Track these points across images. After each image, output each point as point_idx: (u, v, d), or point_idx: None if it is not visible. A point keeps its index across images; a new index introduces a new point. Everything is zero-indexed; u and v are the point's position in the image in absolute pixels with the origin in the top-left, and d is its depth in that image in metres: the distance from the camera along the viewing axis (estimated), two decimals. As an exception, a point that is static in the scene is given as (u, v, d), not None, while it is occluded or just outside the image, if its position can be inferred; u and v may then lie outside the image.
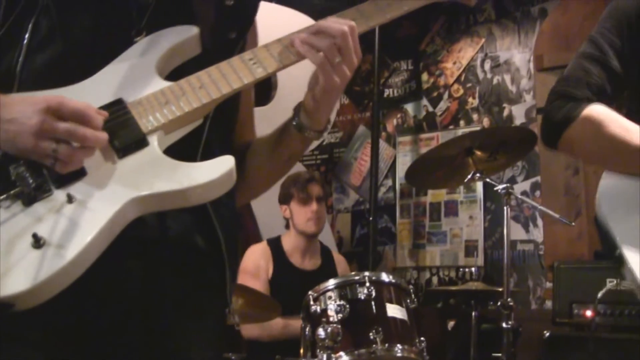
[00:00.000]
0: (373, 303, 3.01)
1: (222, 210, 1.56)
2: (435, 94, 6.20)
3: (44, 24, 1.49)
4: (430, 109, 6.21)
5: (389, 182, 6.31)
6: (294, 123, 1.61)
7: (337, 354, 2.86)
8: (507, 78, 5.83)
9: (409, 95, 6.35)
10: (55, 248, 1.24)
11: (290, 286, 4.04)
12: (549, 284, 5.23)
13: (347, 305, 2.97)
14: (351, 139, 6.65)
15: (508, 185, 3.83)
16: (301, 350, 3.09)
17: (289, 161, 1.74)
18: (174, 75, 1.49)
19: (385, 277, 3.16)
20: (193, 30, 1.53)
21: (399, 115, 6.38)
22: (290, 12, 5.16)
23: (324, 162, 6.73)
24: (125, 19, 1.52)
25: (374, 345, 2.88)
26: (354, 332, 2.93)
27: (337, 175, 6.66)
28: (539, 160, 5.48)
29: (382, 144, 6.31)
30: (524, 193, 5.49)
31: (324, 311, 3.00)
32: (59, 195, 1.30)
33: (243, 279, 3.95)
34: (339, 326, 2.87)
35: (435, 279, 5.94)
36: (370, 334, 2.89)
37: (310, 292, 3.10)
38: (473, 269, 5.46)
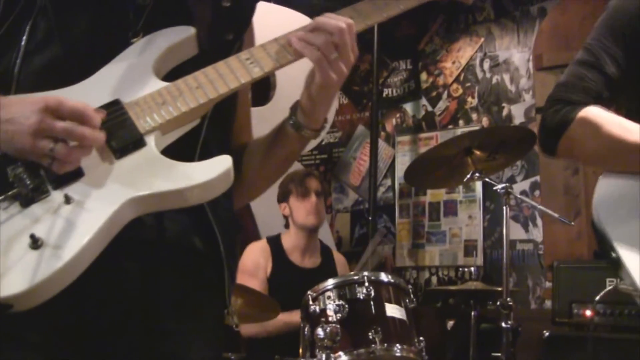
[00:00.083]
0: (372, 303, 3.02)
1: (219, 211, 1.55)
2: (434, 93, 6.20)
3: (41, 26, 1.49)
4: (430, 108, 6.21)
5: (388, 182, 6.31)
6: (291, 122, 1.61)
7: (336, 354, 2.86)
8: (506, 77, 5.83)
9: (408, 95, 6.35)
10: (52, 249, 1.24)
11: (290, 284, 4.04)
12: (548, 284, 5.23)
13: (346, 305, 2.97)
14: (350, 138, 6.65)
15: (507, 184, 3.83)
16: (300, 350, 3.09)
17: (286, 161, 1.74)
18: (172, 76, 1.49)
19: (384, 277, 3.16)
20: (190, 31, 1.53)
21: (398, 115, 6.38)
22: (289, 12, 5.16)
23: (323, 162, 6.73)
24: (123, 20, 1.52)
25: (372, 345, 2.88)
26: (353, 332, 2.93)
27: (336, 175, 6.66)
28: (538, 159, 5.48)
29: (381, 144, 6.31)
30: (523, 193, 5.50)
31: (323, 311, 3.00)
32: (57, 196, 1.30)
33: (241, 278, 3.94)
34: (338, 326, 2.88)
35: (434, 279, 5.94)
36: (369, 333, 2.89)
37: (309, 292, 3.11)
38: (472, 269, 5.45)
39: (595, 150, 1.93)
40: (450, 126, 6.07)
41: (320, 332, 2.85)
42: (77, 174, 1.32)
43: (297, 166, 4.71)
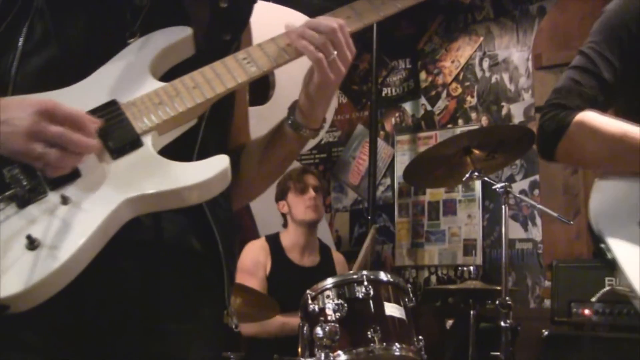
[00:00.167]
0: (371, 302, 3.01)
1: (218, 212, 1.55)
2: (433, 92, 6.20)
3: (38, 27, 1.49)
4: (429, 107, 6.21)
5: (388, 181, 6.31)
6: (289, 122, 1.61)
7: (335, 353, 2.86)
8: (506, 77, 5.83)
9: (407, 94, 6.35)
10: (49, 250, 1.23)
11: (289, 283, 4.04)
12: (547, 283, 5.24)
13: (345, 304, 2.97)
14: (349, 138, 6.65)
15: (506, 184, 3.83)
16: (299, 349, 3.09)
17: (285, 162, 1.74)
18: (169, 76, 1.49)
19: (383, 276, 3.16)
20: (187, 31, 1.52)
21: (397, 114, 6.38)
22: (287, 11, 5.15)
23: (322, 161, 6.74)
24: (120, 21, 1.52)
25: (372, 344, 2.88)
26: (352, 331, 2.93)
27: (336, 174, 6.66)
28: (537, 159, 5.47)
29: (381, 143, 6.31)
30: (522, 192, 5.50)
31: (322, 310, 3.00)
32: (54, 196, 1.30)
33: (241, 277, 3.94)
34: (337, 325, 2.87)
35: (433, 278, 5.94)
36: (368, 332, 2.89)
37: (308, 291, 3.10)
38: (471, 268, 5.45)
39: (594, 152, 1.93)
40: (449, 125, 6.07)
41: (319, 331, 2.85)
42: (74, 175, 1.32)
43: (296, 165, 4.71)
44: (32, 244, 1.23)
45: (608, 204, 1.85)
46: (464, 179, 3.89)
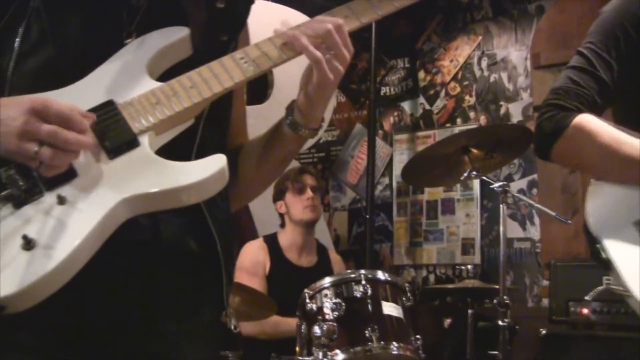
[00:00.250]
0: (369, 301, 3.02)
1: (216, 212, 1.55)
2: (432, 92, 6.20)
3: (34, 28, 1.49)
4: (427, 107, 6.21)
5: (386, 180, 6.31)
6: (288, 122, 1.61)
7: (333, 352, 2.87)
8: (504, 76, 5.84)
9: (405, 94, 6.35)
10: (45, 250, 1.23)
11: (287, 283, 4.04)
12: (545, 282, 5.24)
13: (343, 303, 2.97)
14: (348, 137, 6.65)
15: (504, 183, 3.83)
16: (297, 348, 3.09)
17: (284, 162, 1.73)
18: (166, 77, 1.48)
19: (381, 275, 3.17)
20: (184, 31, 1.52)
21: (395, 114, 6.38)
22: (285, 10, 5.15)
23: (320, 160, 6.74)
24: (116, 21, 1.52)
25: (369, 343, 2.88)
26: (349, 330, 2.93)
27: (334, 173, 6.66)
28: (535, 158, 5.46)
29: (379, 142, 6.31)
30: (520, 191, 5.50)
31: (320, 309, 3.01)
32: (50, 197, 1.29)
33: (240, 276, 3.95)
34: (335, 324, 2.88)
35: (432, 277, 5.95)
36: (366, 331, 2.89)
37: (306, 290, 3.11)
38: (470, 267, 5.44)
39: (588, 159, 1.95)
40: (447, 124, 6.07)
41: (317, 330, 2.86)
42: (70, 175, 1.31)
43: (294, 164, 4.72)
44: (28, 244, 1.23)
45: (604, 204, 1.86)
46: (462, 178, 3.89)
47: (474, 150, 3.85)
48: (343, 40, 1.52)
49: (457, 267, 5.79)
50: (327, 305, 2.98)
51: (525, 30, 5.79)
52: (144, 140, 1.39)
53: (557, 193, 5.41)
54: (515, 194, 4.13)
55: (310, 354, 2.94)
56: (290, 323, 3.69)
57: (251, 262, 4.23)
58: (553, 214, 3.88)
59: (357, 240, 6.37)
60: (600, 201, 1.87)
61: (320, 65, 1.50)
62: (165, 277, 1.49)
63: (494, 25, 5.95)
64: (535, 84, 5.63)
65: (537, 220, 5.48)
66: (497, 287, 3.92)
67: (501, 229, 3.83)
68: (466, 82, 6.03)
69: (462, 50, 6.09)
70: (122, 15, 1.52)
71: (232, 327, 1.63)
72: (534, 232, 5.49)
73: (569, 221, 4.04)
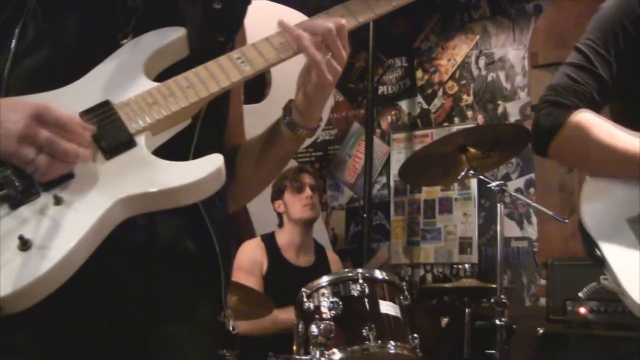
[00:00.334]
0: (366, 300, 3.02)
1: (214, 213, 1.55)
2: (429, 91, 6.20)
3: (30, 29, 1.48)
4: (425, 106, 6.21)
5: (383, 179, 6.31)
6: (286, 122, 1.60)
7: (330, 351, 2.87)
8: (502, 75, 5.83)
9: (403, 93, 6.35)
10: (42, 250, 1.23)
11: (284, 282, 4.04)
12: (543, 281, 5.24)
13: (340, 302, 2.97)
14: (345, 136, 6.65)
15: (502, 182, 3.83)
16: (294, 347, 3.09)
17: (282, 162, 1.73)
18: (164, 77, 1.48)
19: (378, 274, 3.17)
20: (180, 32, 1.52)
21: (393, 113, 6.38)
22: (283, 9, 5.15)
23: (318, 160, 6.73)
24: (113, 22, 1.52)
25: (367, 342, 2.88)
26: (347, 329, 2.93)
27: (332, 172, 6.66)
28: (533, 157, 5.48)
29: (377, 141, 6.31)
30: (518, 190, 5.50)
31: (317, 308, 3.01)
32: (46, 197, 1.29)
33: (237, 276, 3.95)
34: (332, 323, 2.88)
35: (429, 276, 5.94)
36: (363, 330, 2.89)
37: (303, 289, 3.11)
38: (467, 266, 5.46)
39: (585, 155, 1.95)
40: (445, 124, 6.07)
41: (314, 329, 2.86)
42: (67, 176, 1.31)
43: (292, 164, 4.72)
44: (25, 244, 1.23)
45: (598, 201, 1.87)
46: (459, 177, 3.89)
47: (472, 150, 3.86)
48: (343, 40, 1.52)
49: (455, 266, 5.79)
50: (325, 304, 2.98)
51: (523, 29, 5.79)
52: (141, 140, 1.38)
53: (555, 192, 5.41)
54: (513, 193, 4.12)
55: (307, 353, 2.94)
56: (287, 313, 3.68)
57: (248, 261, 4.23)
58: (550, 213, 3.88)
59: (355, 240, 6.37)
60: (595, 198, 1.88)
61: (319, 68, 1.50)
62: (163, 277, 1.49)
63: (492, 25, 5.95)
64: (532, 83, 5.63)
65: (534, 219, 5.48)
66: (494, 286, 3.92)
67: (498, 228, 3.83)
68: (464, 81, 6.02)
69: (459, 49, 6.09)
70: (119, 16, 1.52)
71: (231, 329, 1.63)
72: (532, 231, 5.49)
73: (567, 220, 4.04)
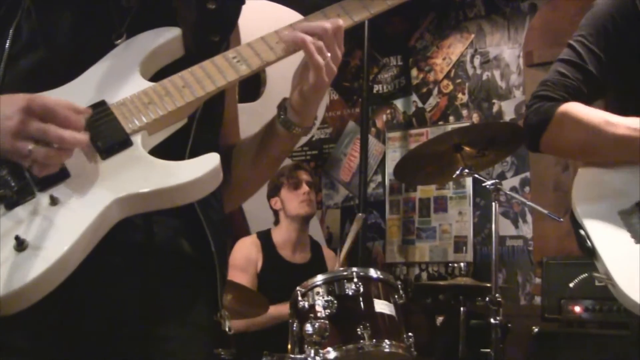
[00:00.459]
0: (361, 299, 3.02)
1: (210, 213, 1.55)
2: (424, 89, 6.20)
3: (25, 29, 1.48)
4: (420, 104, 6.21)
5: (379, 178, 6.31)
6: (281, 120, 1.60)
7: (325, 350, 2.86)
8: (497, 74, 5.84)
9: (398, 91, 6.35)
10: (38, 251, 1.23)
11: (280, 279, 4.05)
12: (538, 280, 5.25)
13: (335, 301, 2.97)
14: (340, 134, 6.65)
15: (497, 181, 3.83)
16: (289, 346, 3.09)
17: (277, 160, 1.73)
18: (159, 78, 1.48)
19: (373, 273, 3.17)
20: (175, 32, 1.52)
21: (388, 111, 6.38)
22: (278, 8, 5.15)
23: (313, 158, 6.73)
24: (107, 22, 1.52)
25: (361, 341, 2.88)
26: (341, 328, 2.93)
27: (327, 171, 6.66)
28: (528, 156, 5.48)
29: (372, 140, 6.31)
30: (513, 189, 5.50)
31: (312, 307, 3.01)
32: (42, 198, 1.29)
33: (232, 273, 3.94)
34: (327, 322, 2.88)
35: (424, 275, 5.95)
36: (358, 329, 2.89)
37: (298, 288, 3.10)
38: (462, 265, 5.47)
39: (576, 142, 1.96)
40: (440, 122, 6.07)
41: (309, 327, 2.85)
42: (62, 175, 1.31)
43: (287, 162, 4.71)
44: (21, 245, 1.22)
45: (590, 192, 1.88)
46: (454, 176, 3.89)
47: (467, 148, 3.85)
48: (339, 41, 1.53)
49: (450, 264, 5.80)
50: (319, 303, 2.98)
51: (518, 28, 5.79)
52: (137, 140, 1.38)
53: (550, 191, 5.42)
54: (508, 192, 4.13)
55: (302, 351, 2.94)
56: (282, 307, 3.68)
57: (243, 259, 4.23)
58: (545, 211, 3.88)
59: (350, 238, 6.36)
60: (587, 191, 1.89)
61: (320, 69, 1.50)
62: (160, 278, 1.49)
63: (487, 23, 5.95)
64: (527, 81, 5.63)
65: (529, 218, 5.49)
66: (489, 285, 3.93)
67: (493, 226, 3.83)
68: (459, 80, 6.03)
69: (454, 48, 6.09)
70: (113, 16, 1.52)
71: (227, 329, 1.63)
72: (527, 230, 5.50)
73: (561, 219, 4.04)
